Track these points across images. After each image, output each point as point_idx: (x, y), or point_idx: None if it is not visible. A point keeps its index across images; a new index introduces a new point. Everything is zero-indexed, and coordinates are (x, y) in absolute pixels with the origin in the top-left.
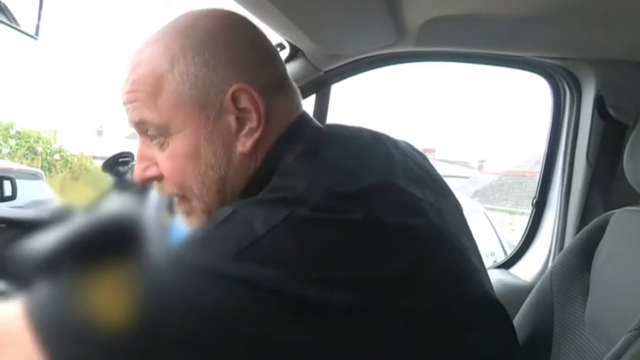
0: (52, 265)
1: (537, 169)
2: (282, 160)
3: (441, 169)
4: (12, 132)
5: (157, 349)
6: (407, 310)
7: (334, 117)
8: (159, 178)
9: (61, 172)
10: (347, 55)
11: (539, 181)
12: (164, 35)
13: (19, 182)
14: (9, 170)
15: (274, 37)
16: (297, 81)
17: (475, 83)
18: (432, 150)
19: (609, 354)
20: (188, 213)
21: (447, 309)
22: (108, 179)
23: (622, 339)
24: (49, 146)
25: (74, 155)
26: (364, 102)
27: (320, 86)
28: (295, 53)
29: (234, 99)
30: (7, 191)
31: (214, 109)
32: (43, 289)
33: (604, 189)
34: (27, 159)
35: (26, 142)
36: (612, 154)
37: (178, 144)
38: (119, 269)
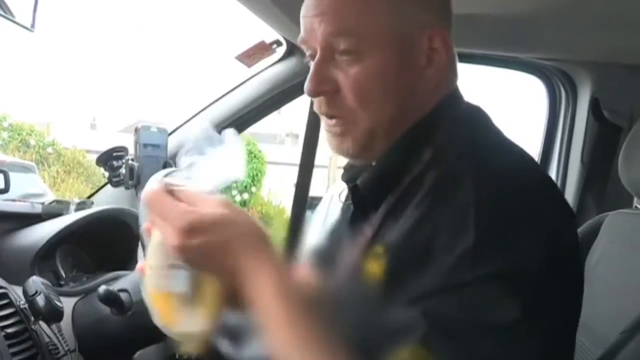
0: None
1: None
2: (447, 114)
3: None
4: (5, 124)
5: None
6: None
7: None
8: (333, 93)
9: (54, 165)
10: None
11: None
12: None
13: (12, 175)
14: (2, 162)
15: (271, 33)
16: (293, 78)
17: (469, 83)
18: None
19: (600, 355)
20: (342, 134)
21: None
22: (101, 173)
23: (614, 340)
24: (42, 139)
25: (67, 148)
26: None
27: None
28: (292, 49)
29: (430, 39)
30: (0, 184)
31: (410, 41)
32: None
33: (597, 191)
34: (19, 151)
35: (19, 134)
36: (607, 156)
37: (372, 61)
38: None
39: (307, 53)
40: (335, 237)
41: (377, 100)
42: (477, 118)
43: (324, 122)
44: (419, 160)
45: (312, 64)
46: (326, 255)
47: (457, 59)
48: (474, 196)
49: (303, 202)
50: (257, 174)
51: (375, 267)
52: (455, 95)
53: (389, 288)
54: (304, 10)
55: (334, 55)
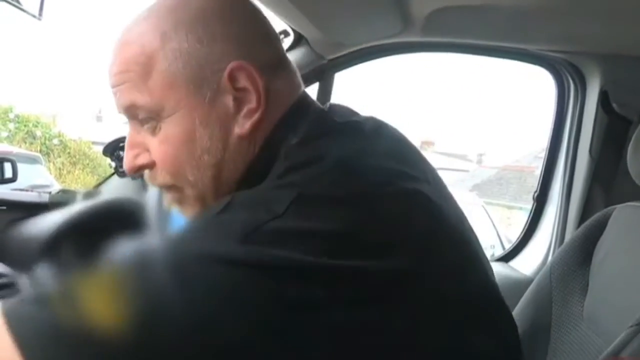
0: (51, 248)
1: (536, 164)
2: (284, 144)
3: (440, 161)
4: (11, 115)
5: (156, 354)
6: (415, 295)
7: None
8: (151, 166)
9: (60, 157)
10: (352, 43)
11: (540, 174)
12: (153, 11)
13: (18, 166)
14: (8, 153)
15: (278, 23)
16: (300, 69)
17: (476, 76)
18: (431, 143)
19: (609, 349)
20: (180, 202)
21: (450, 302)
22: (107, 164)
23: (623, 334)
24: (48, 130)
25: (72, 140)
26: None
27: (323, 74)
28: (298, 40)
29: (232, 78)
30: (8, 173)
31: (209, 89)
32: (28, 291)
33: (606, 184)
34: (25, 143)
35: (25, 126)
36: (615, 149)
37: (171, 127)
38: (111, 263)
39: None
40: None
41: (189, 167)
42: (321, 133)
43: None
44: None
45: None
46: None
47: (270, 87)
48: None
49: None
50: None
51: None
52: (291, 117)
53: None
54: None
55: (140, 124)
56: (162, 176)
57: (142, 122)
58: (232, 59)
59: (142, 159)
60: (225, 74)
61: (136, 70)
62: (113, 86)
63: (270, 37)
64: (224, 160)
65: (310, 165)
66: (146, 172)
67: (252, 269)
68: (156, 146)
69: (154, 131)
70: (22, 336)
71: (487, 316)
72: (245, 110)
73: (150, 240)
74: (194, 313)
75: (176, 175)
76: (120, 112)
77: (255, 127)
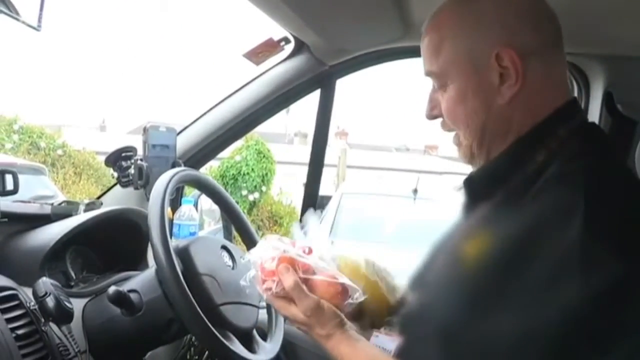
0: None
1: None
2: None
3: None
4: (16, 127)
5: None
6: None
7: (337, 112)
8: (441, 116)
9: (64, 167)
10: (353, 49)
11: None
12: (448, 4)
13: (22, 177)
14: (12, 165)
15: (279, 31)
16: (301, 75)
17: None
18: (435, 147)
19: None
20: (459, 145)
21: None
22: (110, 173)
23: None
24: (52, 141)
25: (77, 150)
26: (367, 96)
27: (325, 81)
28: (300, 47)
29: (498, 58)
30: (9, 185)
31: (481, 66)
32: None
33: None
34: (30, 154)
35: (29, 137)
36: (621, 151)
37: (452, 91)
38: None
39: None
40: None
41: (463, 122)
42: (591, 133)
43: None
44: (531, 161)
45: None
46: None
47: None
48: (584, 198)
49: (313, 201)
50: (266, 174)
51: (475, 252)
52: (571, 108)
53: (486, 276)
54: None
55: (438, 86)
56: (446, 124)
57: (437, 85)
58: (500, 43)
59: (436, 111)
60: (493, 54)
61: (434, 48)
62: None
63: (538, 24)
64: (488, 122)
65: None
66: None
67: None
68: (443, 102)
69: (443, 93)
70: None
71: None
72: (506, 84)
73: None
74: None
75: (454, 125)
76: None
77: (513, 98)
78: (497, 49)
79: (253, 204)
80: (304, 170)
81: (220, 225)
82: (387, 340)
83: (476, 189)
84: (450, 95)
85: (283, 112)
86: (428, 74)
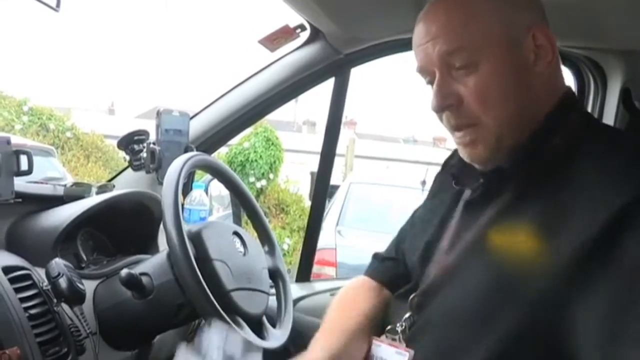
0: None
1: None
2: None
3: None
4: (25, 108)
5: None
6: None
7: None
8: (456, 105)
9: (72, 150)
10: (368, 38)
11: None
12: None
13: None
14: (23, 146)
15: (295, 17)
16: (316, 63)
17: None
18: (443, 140)
19: None
20: (472, 143)
21: None
22: (119, 157)
23: None
24: (61, 124)
25: (85, 133)
26: (375, 87)
27: (339, 69)
28: (315, 35)
29: (534, 37)
30: (24, 165)
31: (519, 43)
32: None
33: None
34: (39, 135)
35: (39, 118)
36: (638, 147)
37: (487, 69)
38: None
39: (426, 80)
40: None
41: (499, 102)
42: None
43: (453, 136)
44: (550, 146)
45: (433, 87)
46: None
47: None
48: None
49: (324, 190)
50: (274, 162)
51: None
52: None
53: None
54: (416, 40)
55: (451, 71)
56: (469, 112)
57: (458, 68)
58: (535, 22)
59: (450, 99)
60: (530, 34)
61: (459, 24)
62: (434, 37)
63: (543, 6)
64: (524, 102)
65: None
66: (446, 114)
67: None
68: (472, 85)
69: (469, 74)
70: None
71: None
72: (541, 62)
73: None
74: None
75: (485, 109)
76: (435, 61)
77: (549, 81)
78: (534, 27)
79: (260, 191)
80: (311, 158)
81: (229, 211)
82: (392, 352)
83: (506, 176)
84: (483, 74)
85: (292, 100)
86: (450, 51)
